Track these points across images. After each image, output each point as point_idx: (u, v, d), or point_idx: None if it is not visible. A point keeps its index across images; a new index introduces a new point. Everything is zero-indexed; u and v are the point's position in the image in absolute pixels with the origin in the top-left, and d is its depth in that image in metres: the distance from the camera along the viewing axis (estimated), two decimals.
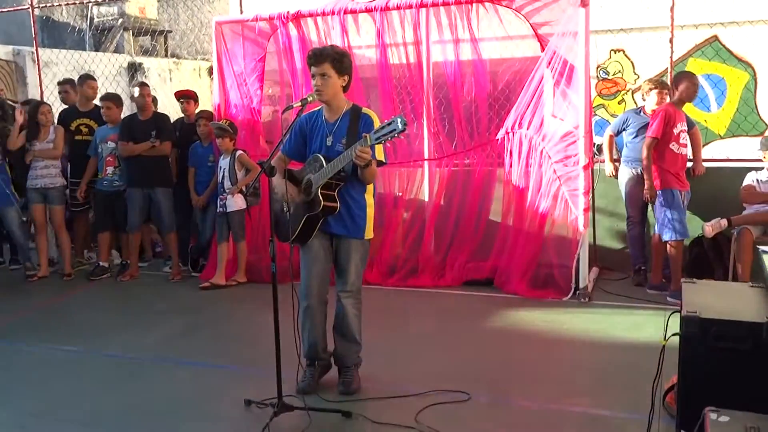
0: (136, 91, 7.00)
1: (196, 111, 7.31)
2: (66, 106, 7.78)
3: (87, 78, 7.62)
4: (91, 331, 5.56)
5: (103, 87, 9.36)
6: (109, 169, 7.06)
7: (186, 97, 7.60)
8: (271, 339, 3.66)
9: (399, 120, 3.46)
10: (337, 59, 3.83)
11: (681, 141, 5.84)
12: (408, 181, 6.80)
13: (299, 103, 3.79)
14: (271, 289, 3.65)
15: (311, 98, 3.83)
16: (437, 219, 6.67)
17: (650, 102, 6.27)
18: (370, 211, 4.02)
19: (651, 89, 6.26)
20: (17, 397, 4.22)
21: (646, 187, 5.88)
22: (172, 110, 8.65)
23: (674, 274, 5.82)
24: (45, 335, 5.49)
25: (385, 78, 6.62)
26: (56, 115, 7.66)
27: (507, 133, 6.27)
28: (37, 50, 9.65)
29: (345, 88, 3.94)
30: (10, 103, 8.26)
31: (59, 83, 7.99)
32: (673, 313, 3.08)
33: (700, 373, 2.82)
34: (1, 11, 10.85)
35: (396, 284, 6.46)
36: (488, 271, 6.37)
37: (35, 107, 7.23)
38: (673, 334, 2.87)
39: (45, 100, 8.41)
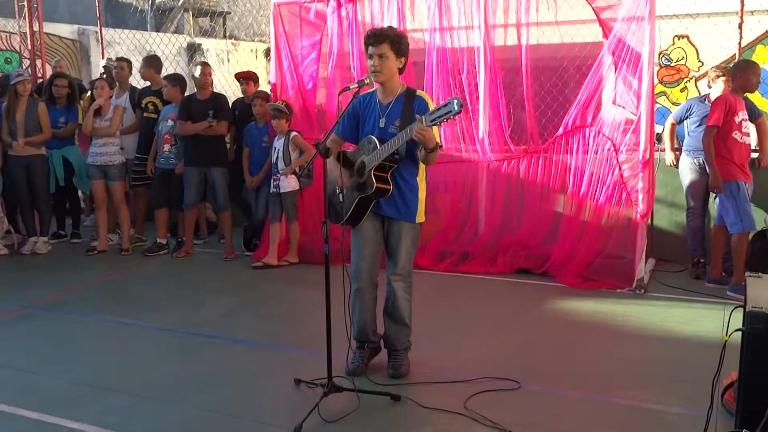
0: (198, 70, 7.09)
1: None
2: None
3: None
4: (145, 305, 5.69)
5: (163, 67, 9.51)
6: (166, 147, 7.18)
7: (246, 78, 7.68)
8: (321, 320, 3.67)
9: (455, 102, 3.41)
10: (395, 41, 3.80)
11: (743, 130, 5.66)
12: (461, 167, 6.72)
13: (356, 85, 3.77)
14: (322, 271, 3.66)
15: (368, 80, 3.80)
16: (490, 205, 6.59)
17: (716, 90, 6.06)
18: (422, 195, 3.99)
19: (718, 76, 6.06)
20: (74, 366, 4.34)
21: (711, 178, 5.69)
22: (230, 91, 8.75)
23: (737, 268, 5.63)
24: (102, 308, 5.64)
25: (441, 62, 6.54)
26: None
27: (567, 132, 6.14)
28: (101, 30, 9.86)
29: (401, 71, 3.91)
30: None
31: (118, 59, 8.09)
32: (736, 308, 2.98)
33: (764, 371, 2.72)
34: None
35: (447, 269, 6.42)
36: (542, 260, 6.27)
37: (92, 84, 7.41)
38: (736, 330, 2.77)
39: None
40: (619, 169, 5.90)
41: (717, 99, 5.76)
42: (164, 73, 7.95)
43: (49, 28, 12.01)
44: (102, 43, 9.87)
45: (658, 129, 6.77)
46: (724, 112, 5.56)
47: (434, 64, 6.57)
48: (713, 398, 3.01)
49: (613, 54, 5.87)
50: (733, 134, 5.61)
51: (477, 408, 3.59)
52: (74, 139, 7.87)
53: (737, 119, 5.61)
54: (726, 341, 2.87)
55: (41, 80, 8.44)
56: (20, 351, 4.65)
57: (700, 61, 9.78)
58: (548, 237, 6.34)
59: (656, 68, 9.28)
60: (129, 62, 7.86)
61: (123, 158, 7.38)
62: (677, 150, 6.46)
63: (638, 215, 5.82)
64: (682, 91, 10.01)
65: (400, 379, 3.99)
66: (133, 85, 7.95)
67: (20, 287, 6.24)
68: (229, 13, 17.66)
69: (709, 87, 6.24)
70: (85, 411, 3.69)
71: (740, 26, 6.31)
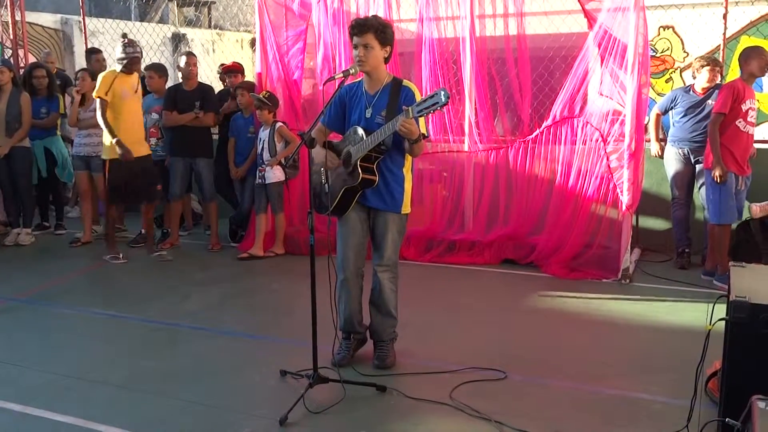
0: (183, 61, 7.03)
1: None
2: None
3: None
4: (130, 297, 5.65)
5: (147, 57, 9.41)
6: (153, 140, 7.12)
7: (233, 71, 7.59)
8: (307, 311, 3.66)
9: (442, 93, 3.40)
10: (380, 30, 3.77)
11: (749, 119, 5.53)
12: (448, 157, 6.70)
13: (341, 75, 3.74)
14: (308, 261, 3.65)
15: (353, 70, 3.78)
16: (477, 196, 6.58)
17: (701, 80, 6.08)
18: (408, 186, 3.98)
19: (702, 66, 6.06)
20: (58, 358, 4.31)
21: (714, 166, 5.51)
22: (215, 81, 8.68)
23: (722, 258, 5.63)
24: (86, 299, 5.60)
25: (428, 53, 6.51)
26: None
27: (555, 123, 6.13)
28: (84, 19, 9.76)
29: (387, 60, 3.88)
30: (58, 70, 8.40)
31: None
32: (719, 297, 2.99)
33: (747, 360, 2.74)
34: None
35: (433, 260, 6.42)
36: (528, 250, 6.28)
37: (76, 75, 7.33)
38: (720, 319, 2.79)
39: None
40: (607, 159, 5.90)
41: (724, 86, 5.66)
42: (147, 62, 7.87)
43: (32, 17, 11.88)
44: (85, 33, 9.76)
45: None
46: (732, 99, 5.44)
47: (422, 54, 6.54)
48: (697, 387, 3.03)
49: (599, 45, 5.86)
50: (737, 122, 5.49)
51: (463, 398, 3.60)
52: (56, 130, 7.78)
53: (744, 107, 5.48)
54: (710, 330, 2.89)
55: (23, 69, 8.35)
56: (3, 343, 4.61)
57: (685, 52, 9.82)
58: (535, 228, 6.34)
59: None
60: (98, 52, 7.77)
61: None
62: (662, 140, 6.48)
63: (624, 206, 5.83)
64: (667, 81, 10.06)
65: (386, 370, 3.99)
66: None
67: (3, 279, 6.17)
68: (214, 2, 17.52)
69: (694, 77, 6.24)
70: (68, 403, 3.66)
71: (725, 17, 6.33)
